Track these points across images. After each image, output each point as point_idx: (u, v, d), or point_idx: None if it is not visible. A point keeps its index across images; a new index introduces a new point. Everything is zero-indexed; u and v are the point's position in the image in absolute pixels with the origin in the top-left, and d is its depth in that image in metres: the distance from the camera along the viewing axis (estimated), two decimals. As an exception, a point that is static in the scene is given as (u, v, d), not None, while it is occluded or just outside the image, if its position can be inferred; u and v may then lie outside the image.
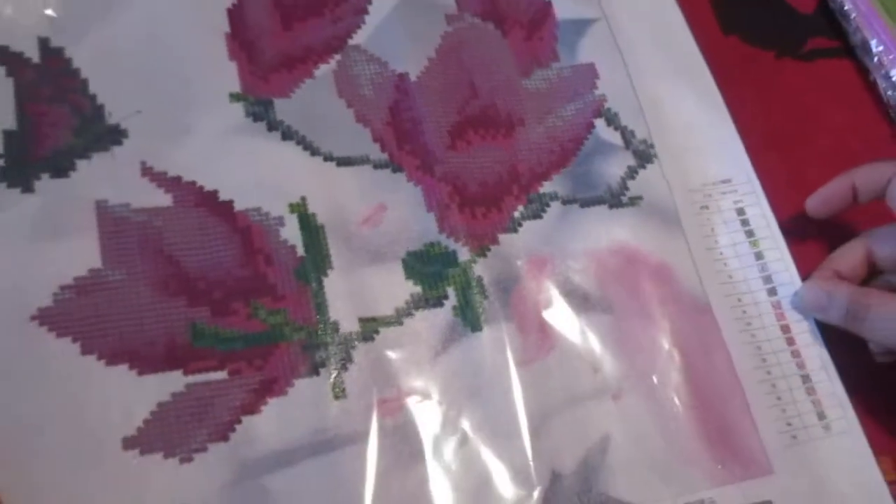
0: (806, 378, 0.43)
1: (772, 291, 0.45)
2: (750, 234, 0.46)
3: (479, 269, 0.42)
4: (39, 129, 0.40)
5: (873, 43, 0.51)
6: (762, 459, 0.41)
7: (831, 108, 0.50)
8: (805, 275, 0.45)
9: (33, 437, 0.35)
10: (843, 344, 0.43)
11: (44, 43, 0.42)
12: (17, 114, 0.40)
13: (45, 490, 0.34)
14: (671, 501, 0.39)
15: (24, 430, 0.35)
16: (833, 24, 0.53)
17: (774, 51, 0.51)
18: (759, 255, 0.46)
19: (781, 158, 0.48)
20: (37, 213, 0.39)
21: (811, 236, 0.47)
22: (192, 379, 0.37)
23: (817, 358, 0.43)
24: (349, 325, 0.40)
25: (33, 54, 0.41)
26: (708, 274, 0.44)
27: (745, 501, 0.39)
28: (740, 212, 0.46)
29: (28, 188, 0.39)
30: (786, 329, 0.44)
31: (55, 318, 0.37)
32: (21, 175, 0.39)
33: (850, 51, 0.53)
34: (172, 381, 0.37)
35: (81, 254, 0.38)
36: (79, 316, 0.37)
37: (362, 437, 0.38)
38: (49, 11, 0.42)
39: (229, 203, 0.41)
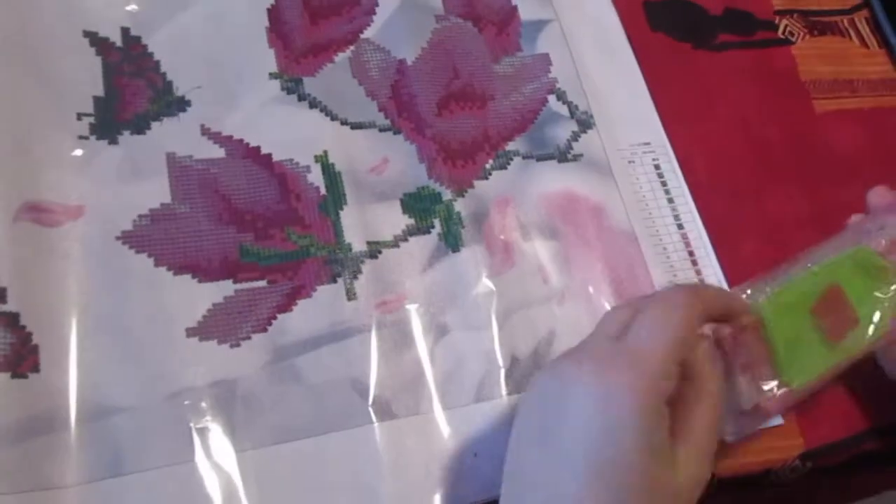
0: (706, 290, 0.43)
1: (680, 226, 0.44)
2: (664, 183, 0.45)
3: (459, 206, 0.42)
4: (123, 98, 0.40)
5: None
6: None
7: (732, 88, 0.49)
8: (704, 213, 0.44)
9: (119, 327, 0.35)
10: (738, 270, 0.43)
11: (126, 32, 0.41)
12: (104, 85, 0.39)
13: (128, 366, 0.34)
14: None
15: (113, 322, 0.35)
16: (736, 23, 0.52)
17: (692, 43, 0.50)
18: (670, 200, 0.45)
19: (690, 126, 0.47)
20: (120, 160, 0.38)
21: (710, 185, 0.46)
22: (239, 286, 0.37)
23: (714, 276, 0.43)
24: (359, 246, 0.39)
25: (117, 40, 0.41)
26: (634, 212, 0.44)
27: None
28: (657, 167, 0.46)
29: (113, 141, 0.38)
30: (691, 254, 0.44)
31: (135, 238, 0.37)
32: (108, 131, 0.39)
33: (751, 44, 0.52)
34: (224, 287, 0.37)
35: (155, 191, 0.38)
36: (153, 237, 0.37)
37: (368, 328, 0.37)
38: (130, 7, 0.42)
39: (269, 155, 0.40)
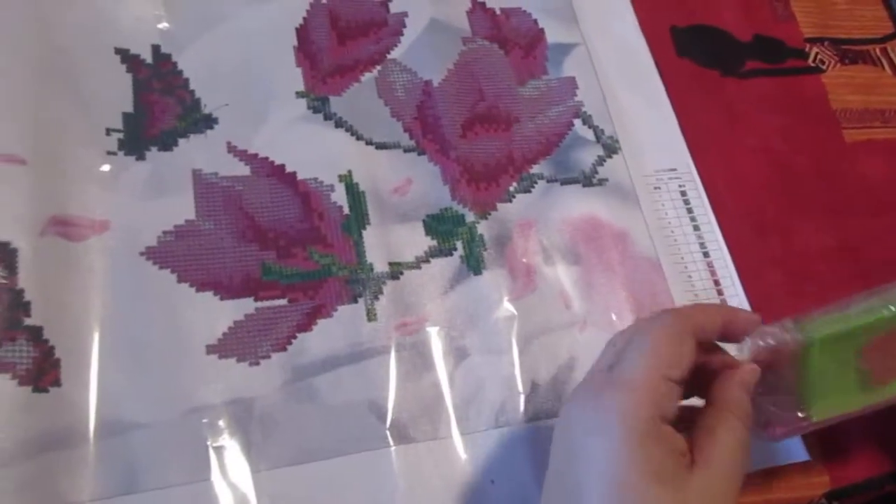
0: (731, 320, 0.42)
1: (706, 254, 0.44)
2: (690, 210, 0.45)
3: (482, 228, 0.41)
4: (151, 114, 0.40)
5: None
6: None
7: (760, 115, 0.48)
8: (730, 241, 0.43)
9: (139, 343, 0.35)
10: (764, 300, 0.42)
11: (156, 49, 0.41)
12: (134, 101, 0.40)
13: (148, 381, 0.34)
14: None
15: (134, 337, 0.35)
16: (765, 50, 0.51)
17: (719, 70, 0.49)
18: (696, 227, 0.44)
19: (717, 153, 0.47)
20: (147, 175, 0.38)
21: (736, 214, 0.45)
22: (260, 304, 0.37)
23: (739, 305, 0.42)
24: (381, 267, 0.39)
25: (147, 57, 0.41)
26: (658, 239, 0.43)
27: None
28: (683, 194, 0.45)
29: (141, 157, 0.39)
30: (717, 283, 0.43)
31: (158, 254, 0.37)
32: (136, 147, 0.39)
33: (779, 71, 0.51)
34: (246, 305, 0.37)
35: (180, 208, 0.38)
36: (176, 254, 0.37)
37: (387, 350, 0.37)
38: (160, 26, 0.42)
39: (293, 174, 0.40)
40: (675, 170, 0.46)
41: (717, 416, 0.29)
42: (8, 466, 0.30)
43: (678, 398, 0.28)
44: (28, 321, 0.33)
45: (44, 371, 0.32)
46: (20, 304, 0.33)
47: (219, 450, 0.33)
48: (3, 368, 0.31)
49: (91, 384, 0.33)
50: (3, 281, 0.32)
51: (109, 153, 0.38)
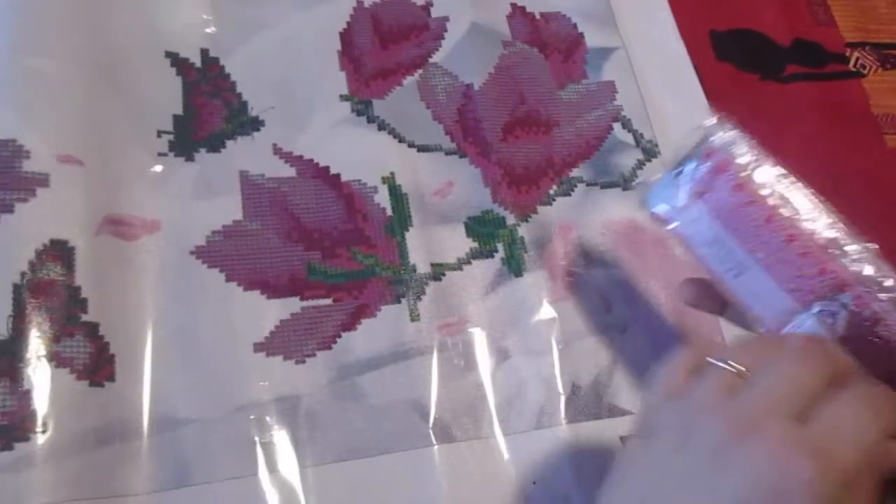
0: (771, 325, 0.42)
1: (746, 258, 0.44)
2: (730, 214, 0.45)
3: (522, 230, 0.42)
4: (200, 116, 0.41)
5: None
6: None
7: (800, 120, 0.48)
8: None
9: (190, 340, 0.35)
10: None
11: (204, 53, 0.42)
12: (183, 103, 0.41)
13: (197, 378, 0.35)
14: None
15: (184, 334, 0.35)
16: (805, 54, 0.51)
17: (759, 74, 0.49)
18: (736, 231, 0.44)
19: (757, 158, 0.46)
20: (196, 177, 0.39)
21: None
22: (306, 303, 0.38)
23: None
24: (424, 268, 0.39)
25: (196, 60, 0.42)
26: (697, 243, 0.43)
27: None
28: (723, 197, 0.45)
29: (190, 158, 0.39)
30: (756, 287, 0.43)
31: (207, 253, 0.37)
32: (185, 148, 0.40)
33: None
34: (292, 304, 0.37)
35: (228, 208, 0.39)
36: (225, 253, 0.38)
37: (430, 350, 0.37)
38: (209, 30, 0.43)
39: (337, 175, 0.41)
40: (714, 174, 0.46)
41: None
42: (66, 458, 0.31)
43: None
44: (85, 317, 0.33)
45: (99, 366, 0.33)
46: (77, 301, 0.33)
47: (266, 446, 0.34)
48: (63, 363, 0.32)
49: (144, 380, 0.34)
50: (62, 278, 0.33)
51: (160, 154, 0.39)
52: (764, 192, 0.31)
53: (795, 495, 0.21)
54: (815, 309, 0.29)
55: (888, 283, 0.29)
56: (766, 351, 0.26)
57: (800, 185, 0.32)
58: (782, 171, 0.31)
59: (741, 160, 0.31)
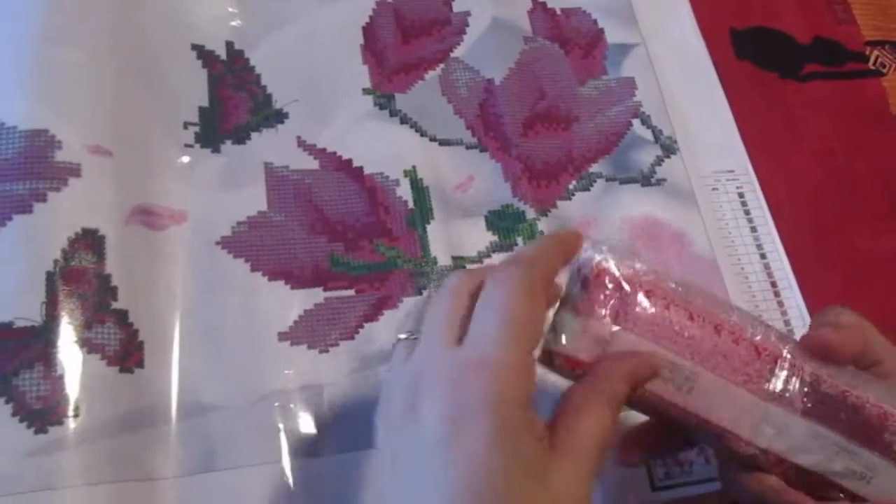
0: (787, 322, 0.42)
1: (763, 256, 0.44)
2: (747, 212, 0.45)
3: (542, 225, 0.42)
4: (226, 109, 0.41)
5: None
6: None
7: (819, 118, 0.48)
8: (787, 244, 0.44)
9: (216, 329, 0.36)
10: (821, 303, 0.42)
11: (230, 45, 0.43)
12: (209, 95, 0.41)
13: (224, 366, 0.35)
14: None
15: (211, 323, 0.36)
16: (824, 53, 0.51)
17: (778, 72, 0.49)
18: (753, 229, 0.45)
19: (775, 156, 0.47)
20: (222, 168, 0.40)
21: (794, 216, 0.45)
22: (329, 294, 0.38)
23: (795, 308, 0.43)
24: (444, 260, 0.40)
25: (221, 53, 0.42)
26: (716, 240, 0.43)
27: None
28: (741, 195, 0.46)
29: (216, 150, 0.40)
30: (773, 285, 0.43)
31: (233, 244, 0.38)
32: (211, 140, 0.40)
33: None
34: (315, 295, 0.38)
35: (253, 199, 0.39)
36: (250, 244, 0.38)
37: (452, 342, 0.38)
38: (234, 23, 0.43)
39: (360, 168, 0.41)
40: (732, 171, 0.46)
41: (587, 398, 0.26)
42: (98, 442, 0.32)
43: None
44: (115, 305, 0.34)
45: (129, 353, 0.34)
46: (108, 289, 0.34)
47: (290, 433, 0.35)
48: (94, 349, 0.33)
49: (172, 367, 0.35)
50: (93, 266, 0.34)
51: (187, 146, 0.39)
52: (667, 288, 0.28)
53: (472, 413, 0.23)
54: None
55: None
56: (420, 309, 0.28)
57: (668, 271, 0.29)
58: (649, 267, 0.29)
59: (629, 270, 0.28)
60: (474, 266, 0.40)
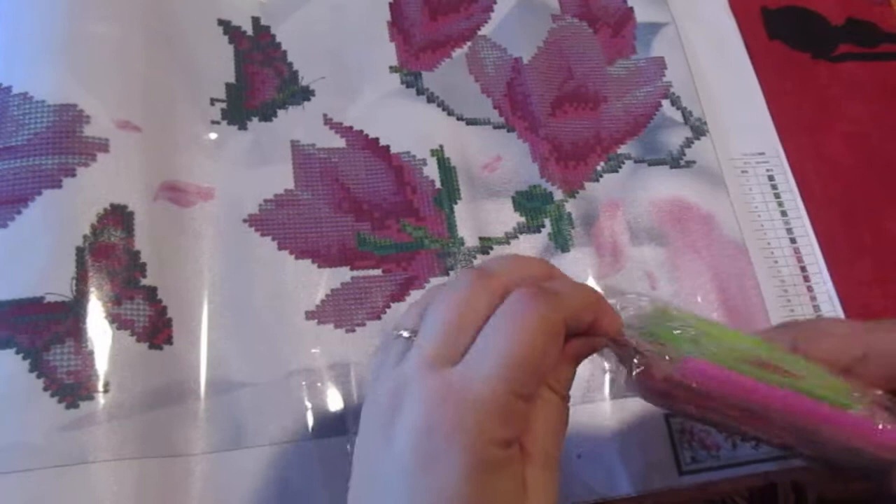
0: (817, 308, 0.42)
1: (793, 240, 0.43)
2: (777, 195, 0.44)
3: (570, 206, 0.42)
4: (252, 85, 0.41)
5: None
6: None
7: (852, 101, 0.47)
8: (818, 228, 0.43)
9: (244, 306, 0.36)
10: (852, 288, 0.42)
11: (256, 21, 0.42)
12: (235, 72, 0.41)
13: (251, 344, 0.35)
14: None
15: (238, 300, 0.36)
16: (857, 33, 0.50)
17: (810, 53, 0.49)
18: (783, 213, 0.44)
19: (806, 138, 0.46)
20: (249, 145, 0.39)
21: (825, 200, 0.45)
22: (356, 273, 0.38)
23: (825, 293, 0.42)
24: (471, 241, 0.40)
25: (248, 29, 0.42)
26: (745, 223, 0.43)
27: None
28: (771, 178, 0.45)
29: (243, 127, 0.40)
30: (803, 269, 0.43)
31: (260, 222, 0.38)
32: (238, 117, 0.40)
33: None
34: (342, 274, 0.38)
35: (280, 177, 0.39)
36: (277, 222, 0.38)
37: (479, 323, 0.38)
38: (261, -1, 0.43)
39: (387, 147, 0.41)
40: (763, 154, 0.45)
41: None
42: (128, 418, 0.32)
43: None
44: (144, 281, 0.34)
45: (158, 329, 0.34)
46: (137, 265, 0.34)
47: (317, 411, 0.35)
48: (124, 325, 0.33)
49: (201, 343, 0.35)
50: (122, 242, 0.34)
51: (213, 122, 0.39)
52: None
53: (444, 448, 0.21)
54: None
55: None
56: (428, 300, 0.24)
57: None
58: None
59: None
60: (502, 247, 0.40)
